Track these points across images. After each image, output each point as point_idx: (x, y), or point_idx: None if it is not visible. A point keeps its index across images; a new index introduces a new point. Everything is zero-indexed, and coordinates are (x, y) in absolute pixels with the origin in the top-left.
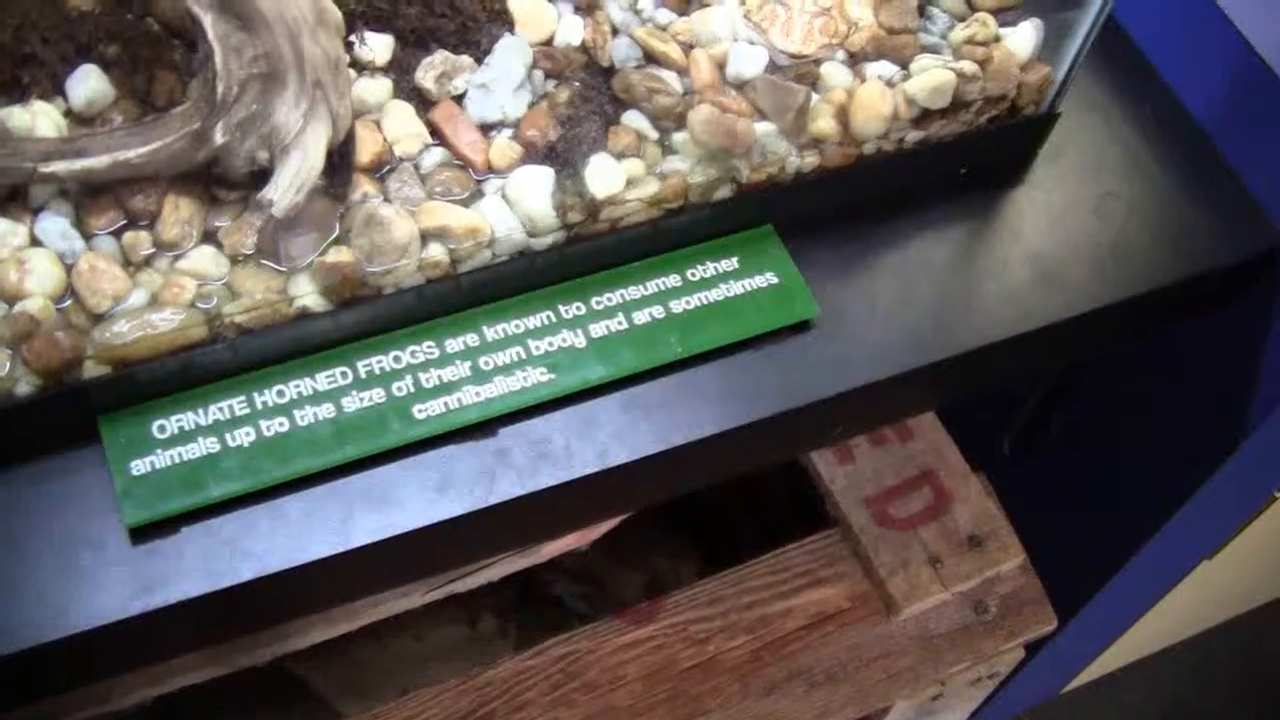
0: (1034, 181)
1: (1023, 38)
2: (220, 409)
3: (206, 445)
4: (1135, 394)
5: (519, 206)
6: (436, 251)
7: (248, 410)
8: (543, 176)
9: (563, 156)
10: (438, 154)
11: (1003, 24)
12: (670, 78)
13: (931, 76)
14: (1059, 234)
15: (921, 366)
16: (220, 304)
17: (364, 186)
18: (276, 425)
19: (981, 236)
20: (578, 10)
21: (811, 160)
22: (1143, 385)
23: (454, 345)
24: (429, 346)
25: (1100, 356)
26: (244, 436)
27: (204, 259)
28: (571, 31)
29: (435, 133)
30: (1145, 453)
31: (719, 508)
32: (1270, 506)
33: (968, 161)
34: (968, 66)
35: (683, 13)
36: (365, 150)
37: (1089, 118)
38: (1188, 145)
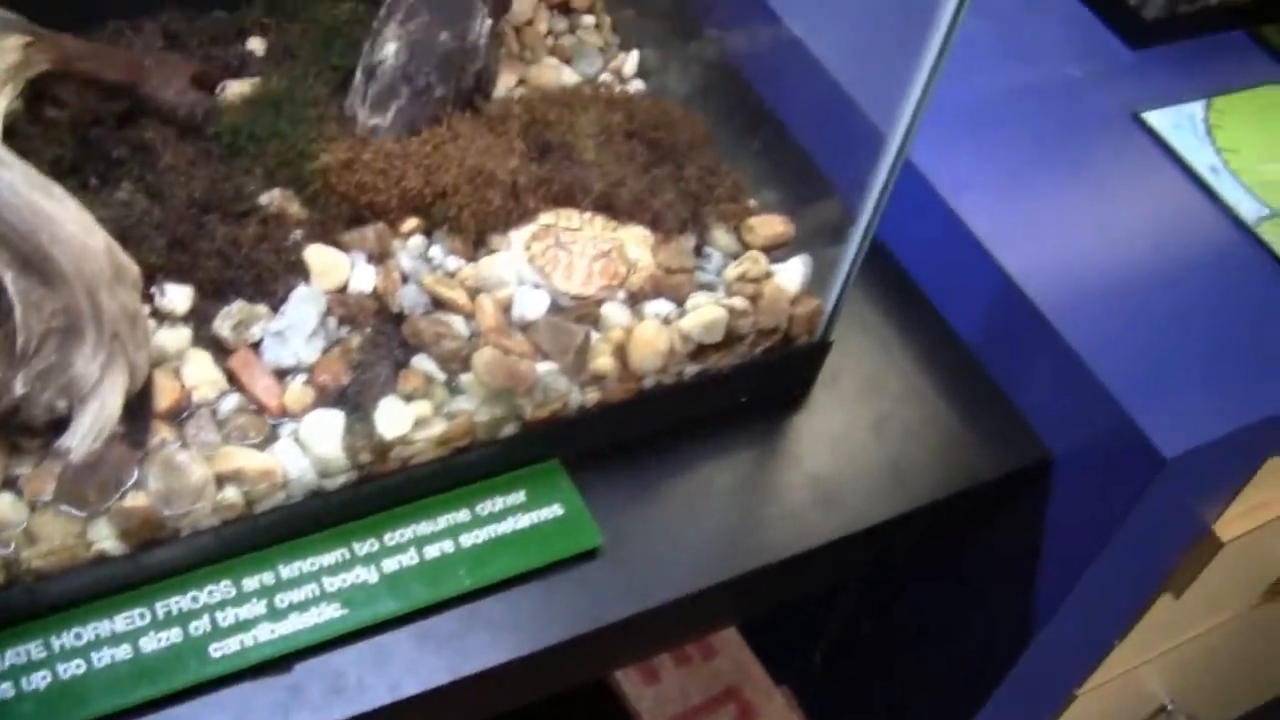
0: (813, 406)
1: (792, 273)
2: (17, 654)
3: (1, 691)
4: (935, 601)
5: (311, 449)
6: (231, 494)
7: (44, 654)
8: (333, 420)
9: (354, 400)
10: (234, 400)
11: (774, 260)
12: (457, 322)
13: (704, 313)
14: (837, 455)
15: (706, 588)
16: (18, 550)
17: (162, 432)
18: (74, 668)
19: (764, 461)
20: (370, 259)
21: (594, 396)
22: (941, 592)
23: (250, 584)
24: (226, 586)
25: (900, 565)
26: (40, 680)
27: (3, 506)
28: (364, 280)
29: (232, 379)
30: (946, 657)
31: None
32: (1071, 705)
33: (748, 390)
34: (739, 302)
35: (471, 259)
36: (164, 397)
37: (864, 342)
38: (958, 366)
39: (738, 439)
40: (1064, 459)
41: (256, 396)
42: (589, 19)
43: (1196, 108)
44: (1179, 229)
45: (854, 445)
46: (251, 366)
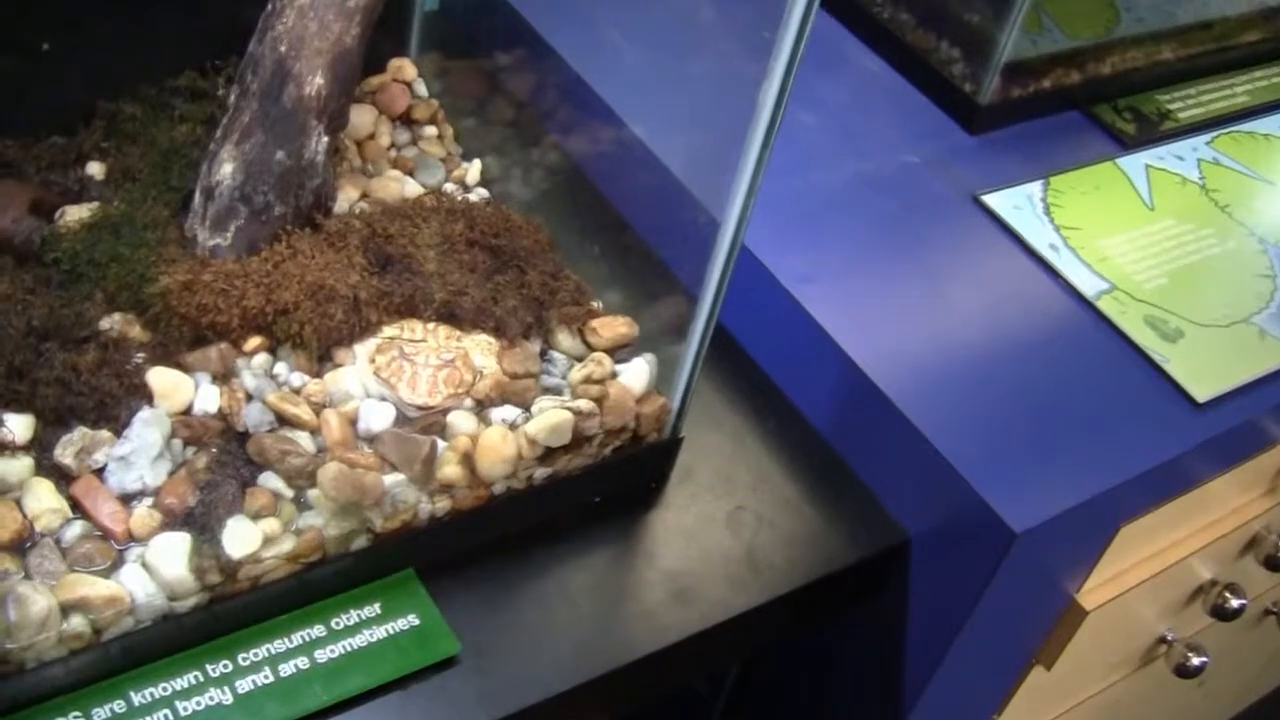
0: (667, 502)
1: (636, 372)
2: None
3: None
4: (808, 689)
5: (158, 573)
6: (78, 623)
7: None
8: (180, 542)
9: (201, 521)
10: (78, 527)
11: (619, 360)
12: (303, 438)
13: (549, 417)
14: (692, 550)
15: (565, 691)
16: None
17: (4, 564)
18: None
19: (619, 560)
20: (214, 379)
21: (443, 505)
22: (813, 680)
23: (101, 713)
24: (75, 718)
25: (768, 656)
26: None
27: None
28: (208, 400)
29: (76, 506)
30: None
31: None
32: None
33: (600, 491)
34: (584, 404)
35: (315, 375)
36: (5, 529)
37: (716, 435)
38: (810, 453)
39: (592, 540)
40: (920, 539)
41: (101, 523)
42: (431, 130)
43: (1035, 188)
44: (1021, 307)
45: (708, 539)
46: (95, 493)
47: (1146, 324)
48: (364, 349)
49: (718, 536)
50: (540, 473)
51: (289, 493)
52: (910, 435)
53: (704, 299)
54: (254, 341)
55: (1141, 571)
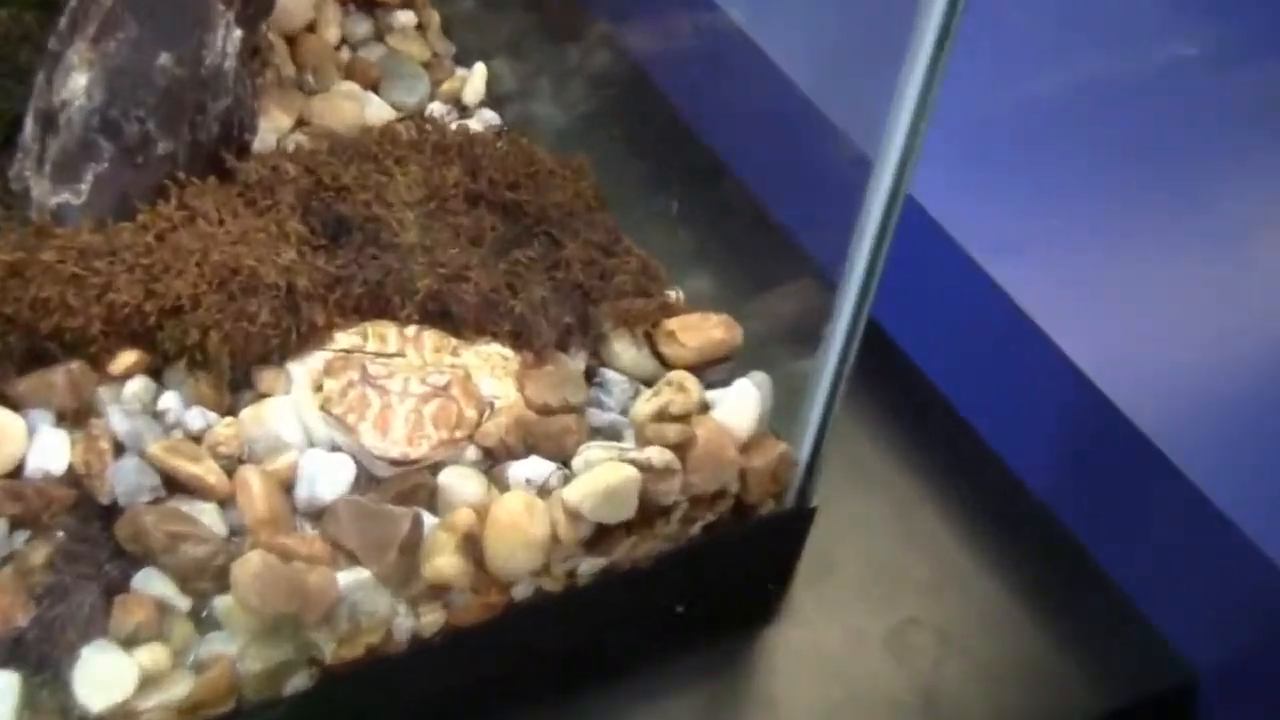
0: (792, 613)
1: (739, 403)
2: None
3: None
4: None
5: None
6: None
7: None
8: (2, 689)
9: (38, 651)
10: None
11: (710, 385)
12: (206, 512)
13: (601, 476)
14: (835, 691)
15: None
16: None
17: None
18: None
19: (718, 705)
20: (61, 420)
21: (434, 619)
22: None
23: None
24: None
25: None
26: None
27: None
28: (51, 454)
29: None
30: None
31: None
32: None
33: (685, 594)
34: (656, 456)
35: (226, 410)
36: None
37: (867, 501)
38: (1023, 533)
39: (675, 673)
40: (1213, 679)
41: None
42: (406, 17)
43: None
44: None
45: (860, 672)
46: None
47: None
48: (304, 369)
49: (875, 668)
50: (588, 565)
51: (183, 603)
52: (1192, 503)
53: (849, 284)
54: (127, 358)
55: None
